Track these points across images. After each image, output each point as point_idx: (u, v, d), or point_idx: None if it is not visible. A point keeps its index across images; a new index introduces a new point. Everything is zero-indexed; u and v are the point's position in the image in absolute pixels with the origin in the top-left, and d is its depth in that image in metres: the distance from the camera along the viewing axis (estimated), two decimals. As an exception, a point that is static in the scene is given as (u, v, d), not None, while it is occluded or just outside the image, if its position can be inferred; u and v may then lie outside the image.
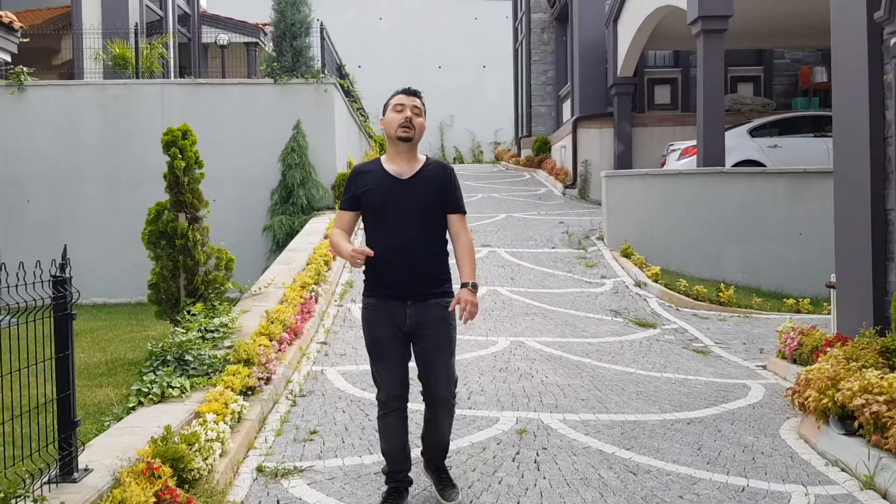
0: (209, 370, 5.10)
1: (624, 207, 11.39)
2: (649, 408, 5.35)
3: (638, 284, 9.60)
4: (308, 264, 8.67)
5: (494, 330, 7.42)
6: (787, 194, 11.01)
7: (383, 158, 3.67)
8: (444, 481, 3.75)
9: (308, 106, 13.00)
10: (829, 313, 9.25)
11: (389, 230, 3.52)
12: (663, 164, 14.34)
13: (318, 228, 10.93)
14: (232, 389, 4.78)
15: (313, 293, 7.77)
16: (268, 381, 5.33)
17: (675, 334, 7.80)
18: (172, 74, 18.29)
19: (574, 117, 17.70)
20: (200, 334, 5.66)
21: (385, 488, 3.71)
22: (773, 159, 13.02)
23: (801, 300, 9.27)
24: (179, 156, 6.53)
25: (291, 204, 12.29)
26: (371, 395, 5.48)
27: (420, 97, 3.64)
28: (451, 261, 3.67)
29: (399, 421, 3.65)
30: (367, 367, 6.07)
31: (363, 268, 3.57)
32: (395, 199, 3.54)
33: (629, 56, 15.87)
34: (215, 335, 5.72)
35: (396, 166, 3.61)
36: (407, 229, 3.52)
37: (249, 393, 5.01)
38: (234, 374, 4.97)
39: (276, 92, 13.07)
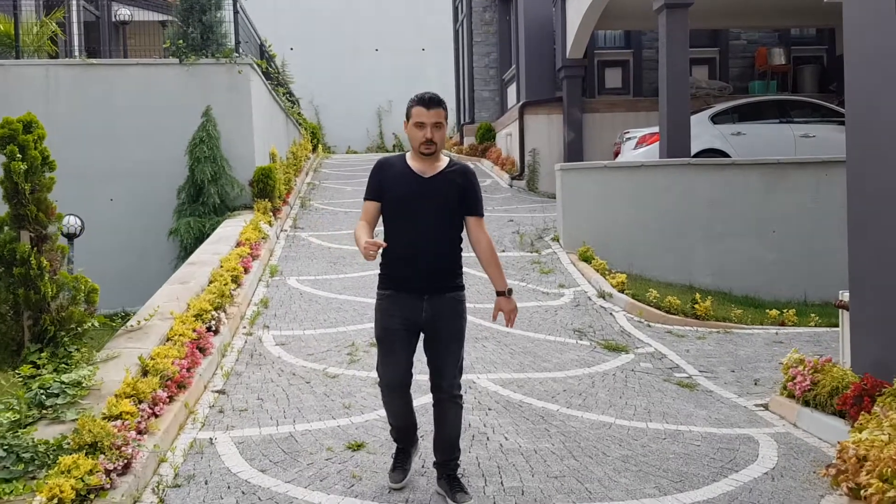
0: (33, 466, 3.59)
1: (581, 204, 10.15)
2: (643, 485, 4.07)
3: (602, 295, 8.36)
4: (211, 282, 7.11)
5: (438, 364, 6.03)
6: (760, 188, 9.95)
7: (408, 155, 3.80)
8: (455, 488, 3.76)
9: (220, 90, 11.29)
10: (815, 325, 8.19)
11: (408, 225, 3.64)
12: (617, 153, 13.16)
13: (229, 234, 9.27)
14: (60, 500, 3.30)
15: (213, 321, 6.26)
16: (126, 468, 3.84)
17: (651, 360, 6.58)
18: (77, 56, 16.26)
19: (520, 103, 16.39)
20: (37, 401, 4.13)
21: (395, 448, 4.00)
22: (737, 148, 11.93)
23: (784, 311, 8.18)
24: (20, 155, 4.93)
25: (201, 203, 10.58)
26: (274, 480, 4.09)
27: (441, 106, 3.71)
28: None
29: (402, 400, 3.81)
30: (273, 430, 4.74)
31: (378, 260, 3.70)
32: (415, 195, 3.66)
33: (579, 36, 14.62)
34: (58, 401, 4.19)
35: (420, 165, 3.73)
36: (425, 226, 3.63)
37: (93, 496, 3.53)
38: (68, 472, 3.48)
39: (183, 74, 11.33)
